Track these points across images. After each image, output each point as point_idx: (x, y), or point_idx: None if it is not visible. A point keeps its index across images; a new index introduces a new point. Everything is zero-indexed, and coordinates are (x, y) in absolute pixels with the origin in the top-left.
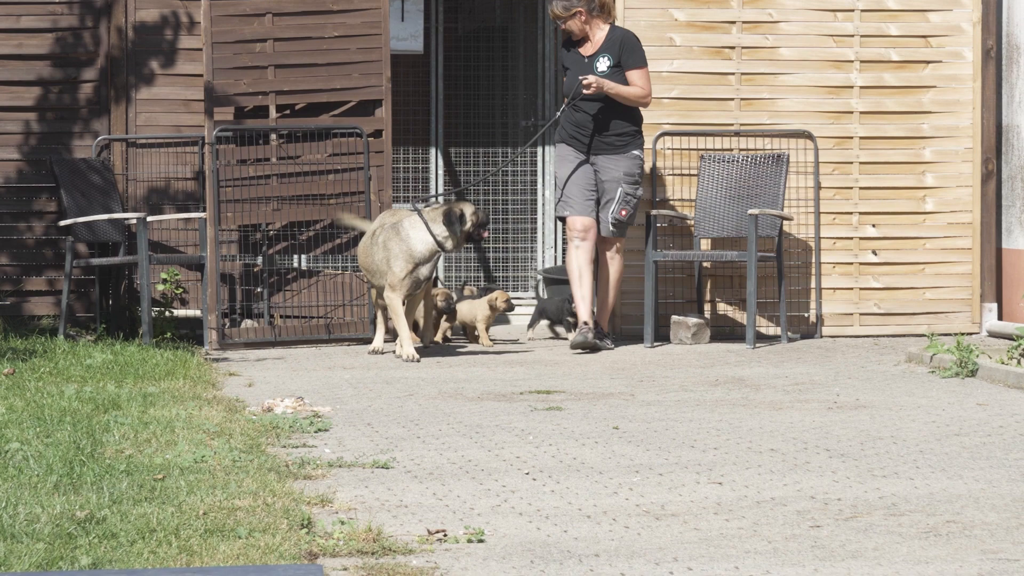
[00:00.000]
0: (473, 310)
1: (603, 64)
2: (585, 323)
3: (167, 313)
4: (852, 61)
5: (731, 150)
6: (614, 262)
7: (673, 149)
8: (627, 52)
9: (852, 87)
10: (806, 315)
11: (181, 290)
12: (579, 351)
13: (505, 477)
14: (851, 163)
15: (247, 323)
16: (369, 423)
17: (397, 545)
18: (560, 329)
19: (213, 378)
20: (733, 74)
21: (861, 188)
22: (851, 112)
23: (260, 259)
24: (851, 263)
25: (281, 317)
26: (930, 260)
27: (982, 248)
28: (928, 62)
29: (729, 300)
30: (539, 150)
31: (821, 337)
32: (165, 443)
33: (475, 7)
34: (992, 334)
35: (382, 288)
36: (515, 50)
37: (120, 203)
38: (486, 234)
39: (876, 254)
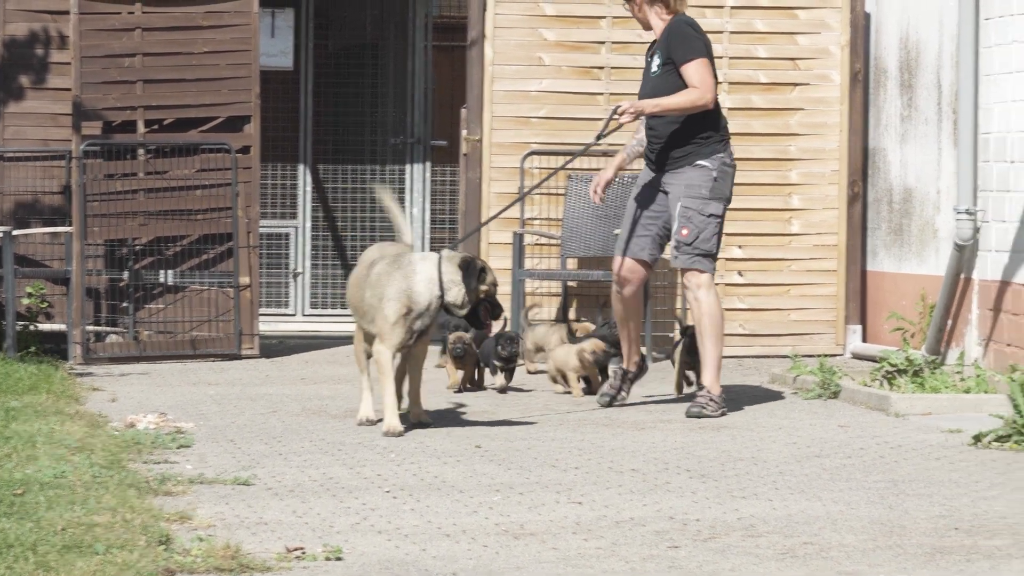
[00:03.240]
0: (566, 358)
1: (655, 64)
2: (618, 369)
3: (32, 327)
4: (721, 83)
5: (599, 170)
6: (697, 303)
7: (541, 168)
8: (675, 44)
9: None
10: (672, 335)
11: (46, 304)
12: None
13: (365, 495)
14: None
15: (112, 338)
16: (232, 439)
17: (255, 562)
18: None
19: (76, 393)
20: (602, 94)
21: (728, 209)
22: None
23: (126, 274)
24: (717, 284)
25: (147, 332)
26: (795, 282)
27: (847, 270)
28: (796, 84)
29: (595, 320)
30: (406, 168)
31: None
32: (26, 458)
33: (345, 24)
34: (856, 356)
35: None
36: (385, 68)
37: None
38: (492, 324)
39: (742, 275)
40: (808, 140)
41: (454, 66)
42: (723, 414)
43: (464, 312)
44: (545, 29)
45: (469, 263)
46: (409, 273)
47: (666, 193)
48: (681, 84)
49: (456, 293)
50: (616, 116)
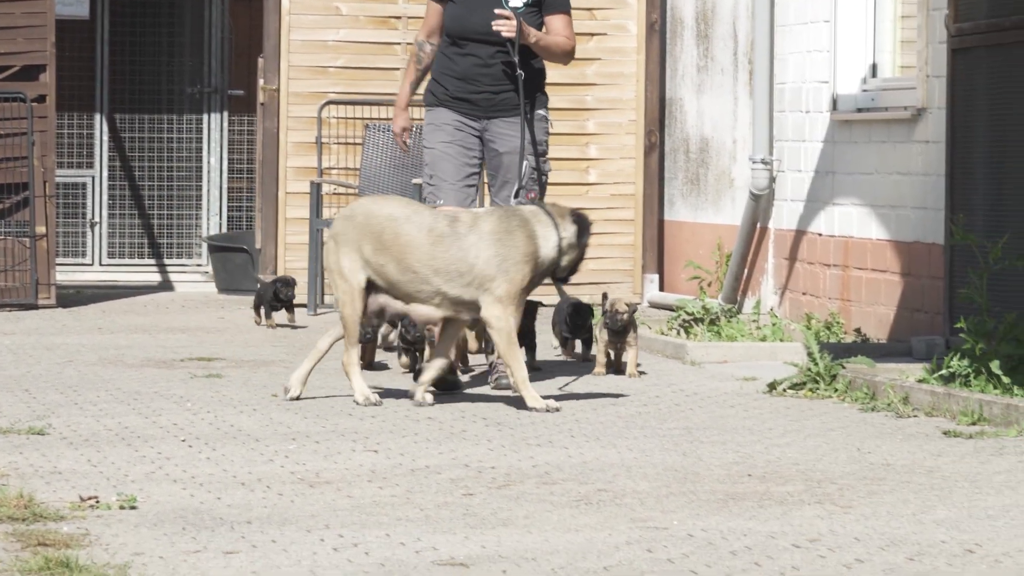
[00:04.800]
0: None
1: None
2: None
3: None
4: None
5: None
6: None
7: (338, 118)
8: None
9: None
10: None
11: None
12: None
13: (161, 444)
14: None
15: None
16: (27, 389)
17: (48, 512)
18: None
19: None
20: (399, 44)
21: None
22: None
23: None
24: None
25: None
26: (593, 231)
27: (644, 220)
28: (593, 34)
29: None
30: (203, 117)
31: None
32: None
33: None
34: (653, 305)
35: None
36: (182, 17)
37: None
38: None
39: None
40: (605, 90)
41: (252, 15)
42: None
43: (563, 275)
44: None
45: (583, 219)
46: (531, 234)
47: (481, 139)
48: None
49: (571, 256)
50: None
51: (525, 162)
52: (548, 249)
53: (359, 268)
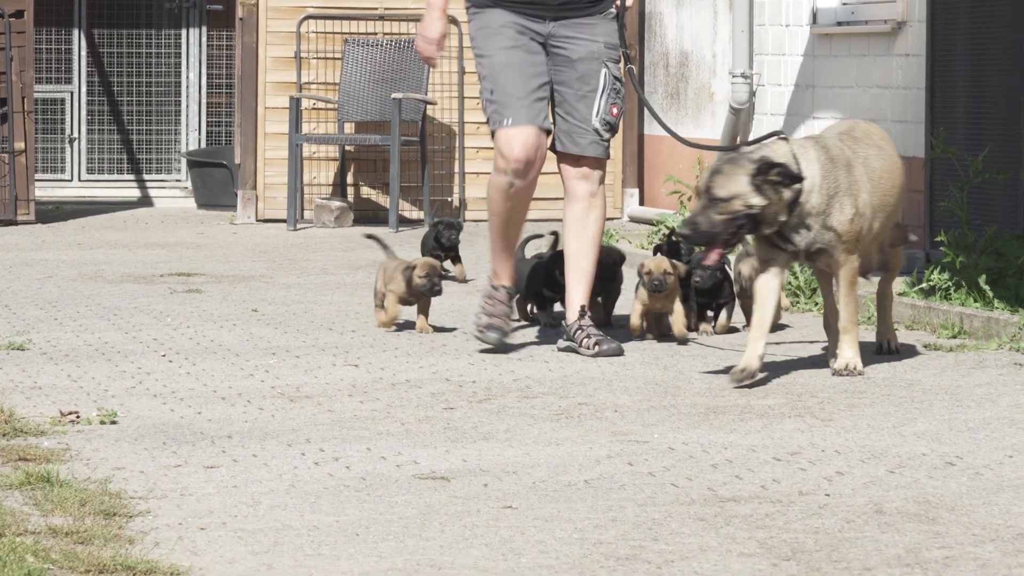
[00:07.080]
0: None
1: None
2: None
3: None
4: None
5: (375, 34)
6: (595, 205)
7: (318, 32)
8: None
9: None
10: (449, 199)
11: None
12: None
13: (141, 359)
14: None
15: None
16: (7, 305)
17: (29, 427)
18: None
19: None
20: None
21: None
22: None
23: None
24: (493, 148)
25: None
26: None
27: (624, 134)
28: None
29: (372, 184)
30: (182, 32)
31: (465, 221)
32: None
33: None
34: (633, 219)
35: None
36: None
37: None
38: None
39: None
40: None
41: None
42: (616, 352)
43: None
44: None
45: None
46: None
47: (546, 48)
48: None
49: None
50: None
51: (605, 70)
52: None
53: None
